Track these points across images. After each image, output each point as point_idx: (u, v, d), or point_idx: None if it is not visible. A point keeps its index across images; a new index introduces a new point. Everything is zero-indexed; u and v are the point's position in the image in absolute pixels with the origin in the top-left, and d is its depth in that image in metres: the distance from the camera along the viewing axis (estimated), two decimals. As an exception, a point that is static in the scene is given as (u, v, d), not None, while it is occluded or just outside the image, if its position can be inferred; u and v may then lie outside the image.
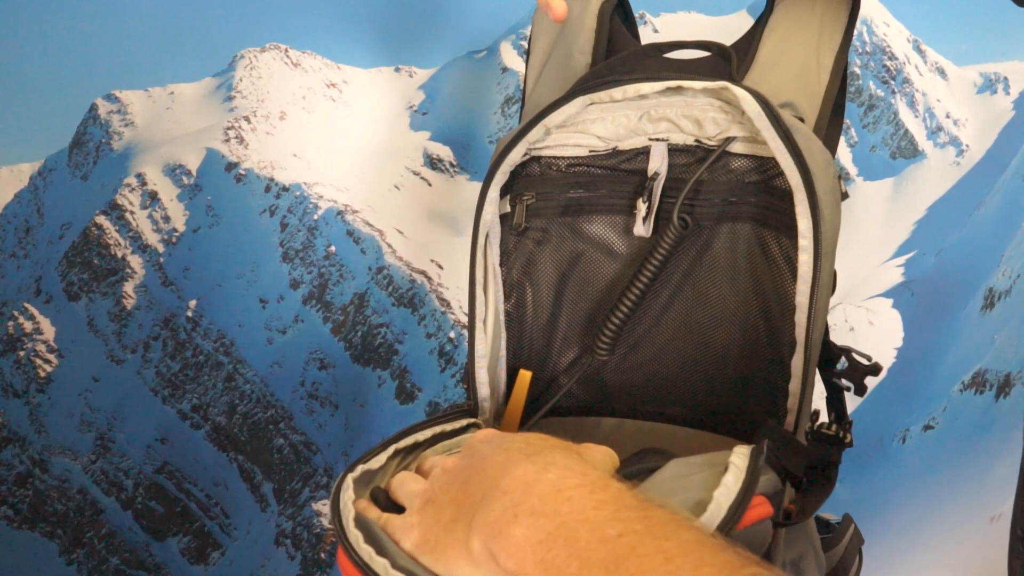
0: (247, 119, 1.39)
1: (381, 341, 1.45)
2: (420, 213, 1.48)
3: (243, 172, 1.39)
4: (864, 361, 0.65)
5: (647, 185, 0.67)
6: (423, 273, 1.46)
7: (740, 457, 0.48)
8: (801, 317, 0.60)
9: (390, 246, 1.45)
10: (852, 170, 1.57)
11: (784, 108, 0.65)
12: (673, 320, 0.73)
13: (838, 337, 1.44)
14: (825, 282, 0.60)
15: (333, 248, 1.43)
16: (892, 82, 1.56)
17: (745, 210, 0.69)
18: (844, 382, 0.67)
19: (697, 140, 0.66)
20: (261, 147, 1.40)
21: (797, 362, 0.61)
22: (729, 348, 0.72)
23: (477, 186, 1.46)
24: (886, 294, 1.52)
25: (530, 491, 0.41)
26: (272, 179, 1.40)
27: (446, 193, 1.50)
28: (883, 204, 1.55)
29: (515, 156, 0.66)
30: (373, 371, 1.45)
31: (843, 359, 0.68)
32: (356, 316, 1.44)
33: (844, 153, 1.56)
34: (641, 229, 0.68)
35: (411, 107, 1.49)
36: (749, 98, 0.61)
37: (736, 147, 0.66)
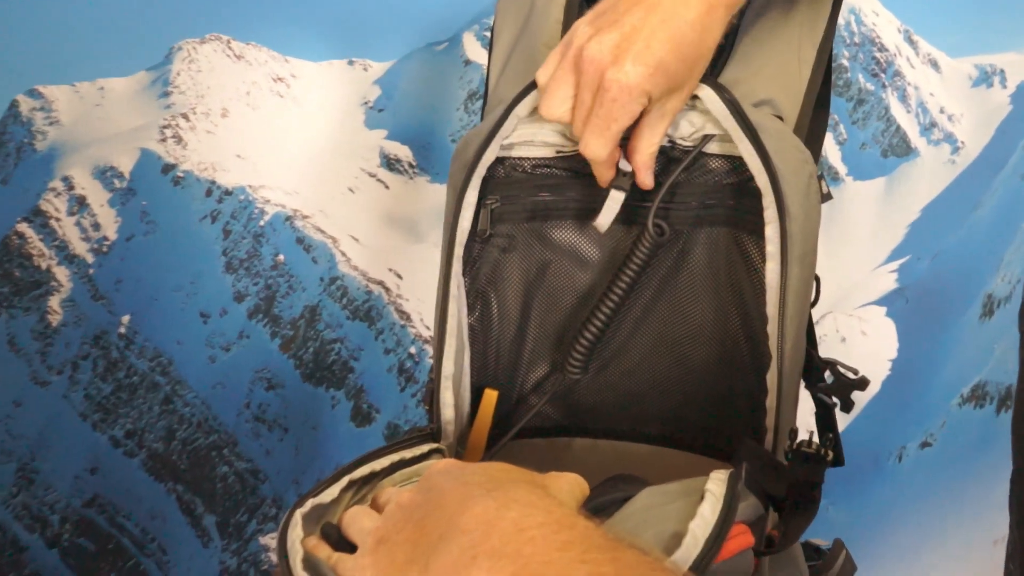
0: (185, 117, 1.39)
1: (335, 358, 1.45)
2: (377, 218, 1.48)
3: (181, 174, 1.39)
4: (850, 375, 0.67)
5: (617, 180, 0.66)
6: (380, 283, 1.46)
7: (717, 483, 0.48)
8: (773, 328, 0.62)
9: (344, 254, 1.45)
10: (841, 169, 1.59)
11: (762, 106, 0.66)
12: (649, 334, 0.74)
13: (829, 348, 1.45)
14: (796, 289, 0.62)
15: (281, 257, 1.43)
16: (882, 75, 1.58)
17: (722, 213, 0.70)
18: (832, 398, 0.68)
19: (671, 140, 0.67)
20: (201, 147, 1.39)
21: (771, 376, 0.62)
22: (708, 362, 0.73)
23: (438, 188, 1.46)
24: (879, 302, 1.53)
25: (490, 531, 0.40)
26: (214, 182, 1.40)
27: (405, 196, 1.50)
28: (874, 205, 1.57)
29: (491, 155, 0.66)
30: (326, 391, 1.45)
31: (829, 373, 0.69)
32: (307, 331, 1.44)
33: (832, 151, 1.58)
34: (603, 219, 0.67)
35: (366, 103, 1.49)
36: (714, 97, 0.62)
37: (713, 147, 0.67)
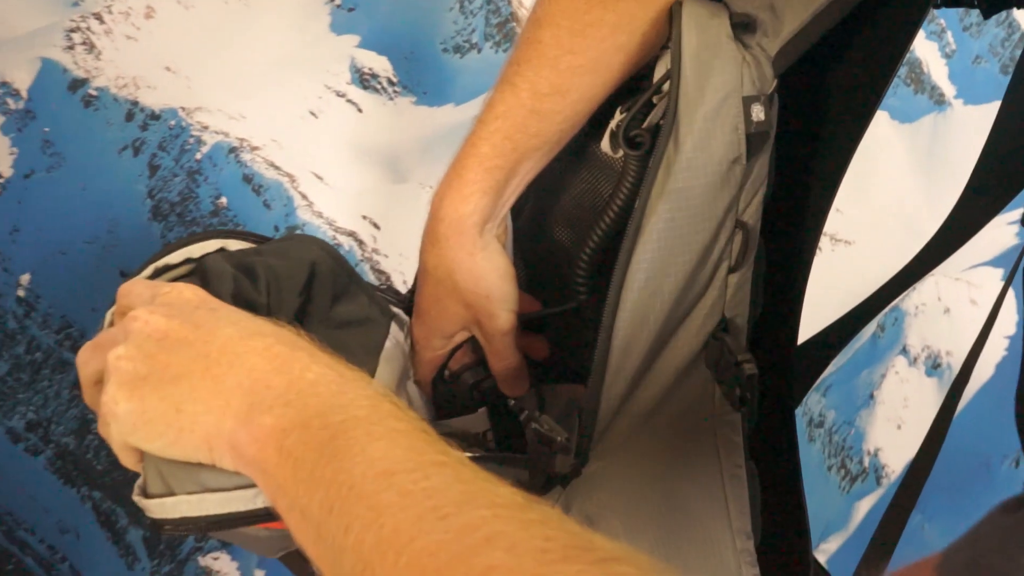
0: (99, 17, 1.38)
1: (292, 331, 1.46)
2: (347, 150, 1.48)
3: (94, 92, 1.38)
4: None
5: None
6: (352, 235, 1.45)
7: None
8: None
9: (304, 197, 1.45)
10: (948, 89, 1.55)
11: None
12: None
13: (928, 321, 1.44)
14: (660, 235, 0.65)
15: (224, 200, 1.43)
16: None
17: None
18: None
19: None
20: (120, 57, 1.38)
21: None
22: None
23: (426, 112, 1.43)
24: (994, 262, 1.50)
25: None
26: (136, 103, 1.39)
27: (383, 122, 1.49)
28: (990, 137, 1.56)
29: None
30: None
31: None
32: (257, 296, 1.44)
33: (937, 66, 1.56)
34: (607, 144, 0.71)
35: (333, 1, 1.48)
36: None
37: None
